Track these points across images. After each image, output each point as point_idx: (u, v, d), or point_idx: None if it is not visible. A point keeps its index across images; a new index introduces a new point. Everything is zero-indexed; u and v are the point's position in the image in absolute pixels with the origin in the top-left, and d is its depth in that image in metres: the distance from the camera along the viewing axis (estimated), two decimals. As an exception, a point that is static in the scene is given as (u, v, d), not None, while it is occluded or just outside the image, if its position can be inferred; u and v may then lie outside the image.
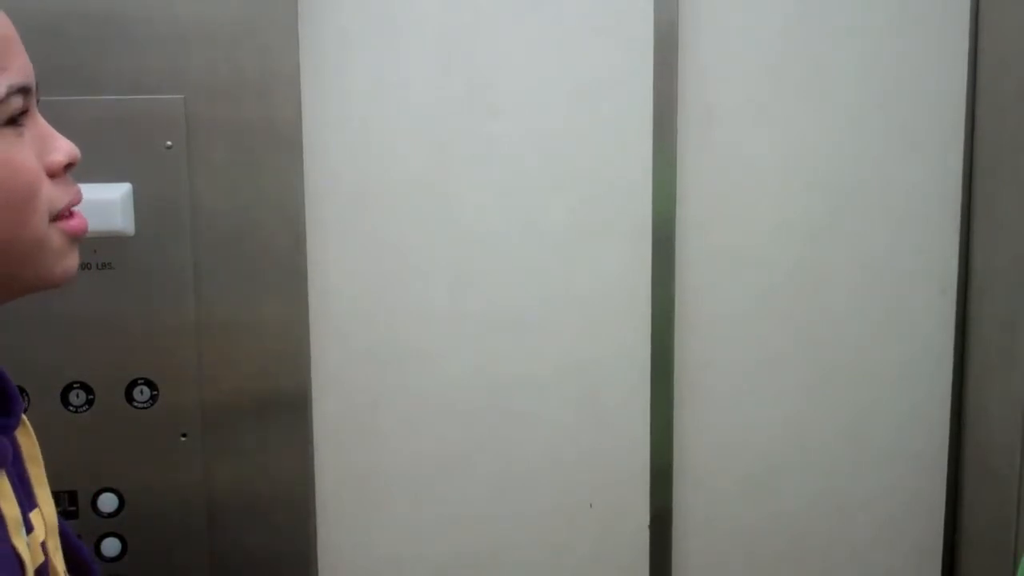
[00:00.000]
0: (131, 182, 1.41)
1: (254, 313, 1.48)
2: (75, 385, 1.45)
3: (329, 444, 1.59)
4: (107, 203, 1.36)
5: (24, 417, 0.82)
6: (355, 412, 1.59)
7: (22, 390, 1.43)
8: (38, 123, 0.76)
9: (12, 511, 0.75)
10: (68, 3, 1.39)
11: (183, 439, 1.48)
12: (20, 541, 0.75)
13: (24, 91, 0.72)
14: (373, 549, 1.63)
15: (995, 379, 1.80)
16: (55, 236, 0.76)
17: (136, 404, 1.46)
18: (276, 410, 1.51)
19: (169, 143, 1.42)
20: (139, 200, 1.41)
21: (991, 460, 1.83)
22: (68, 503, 1.46)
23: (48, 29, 1.38)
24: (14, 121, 0.72)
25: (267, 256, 1.47)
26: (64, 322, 1.43)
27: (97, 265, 1.42)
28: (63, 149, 0.77)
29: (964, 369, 1.98)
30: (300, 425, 1.52)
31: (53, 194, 0.75)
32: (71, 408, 1.45)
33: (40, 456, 0.83)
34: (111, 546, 1.48)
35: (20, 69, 0.72)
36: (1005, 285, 1.77)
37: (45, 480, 0.83)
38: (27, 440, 0.83)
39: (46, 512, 0.82)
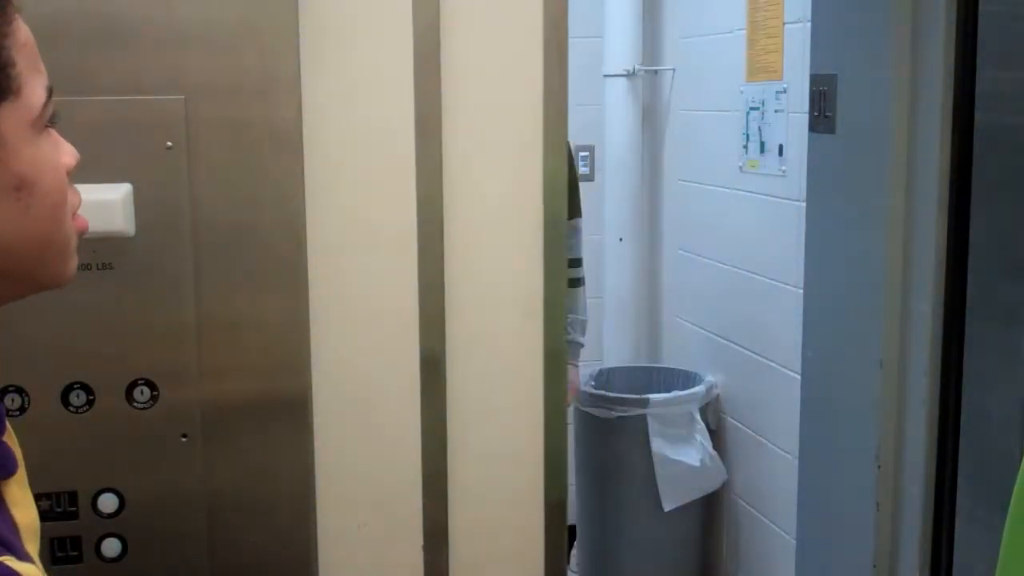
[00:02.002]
0: (131, 182, 1.41)
1: (254, 313, 1.48)
2: (75, 385, 1.45)
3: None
4: (107, 203, 1.36)
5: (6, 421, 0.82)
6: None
7: (23, 390, 1.43)
8: None
9: (27, 518, 0.75)
10: (68, 3, 1.39)
11: (183, 439, 1.48)
12: (33, 546, 0.75)
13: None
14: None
15: (995, 379, 1.80)
16: (73, 237, 0.77)
17: (136, 404, 1.46)
18: (276, 410, 1.51)
19: (169, 143, 1.42)
20: (139, 200, 1.41)
21: (991, 460, 1.83)
22: (68, 503, 1.46)
23: (48, 30, 1.38)
24: (51, 123, 0.73)
25: (267, 256, 1.47)
26: (64, 322, 1.43)
27: (97, 265, 1.42)
28: (70, 151, 0.78)
29: (963, 369, 1.98)
30: (300, 425, 1.52)
31: (72, 195, 0.77)
32: (71, 408, 1.45)
33: (22, 459, 0.83)
34: (111, 546, 1.48)
35: (46, 72, 0.74)
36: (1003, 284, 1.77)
37: (27, 483, 0.83)
38: (10, 440, 0.83)
39: (31, 515, 0.82)
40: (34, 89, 0.71)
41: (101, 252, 1.41)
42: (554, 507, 1.65)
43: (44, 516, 0.84)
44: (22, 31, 0.72)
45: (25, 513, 0.76)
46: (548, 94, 1.56)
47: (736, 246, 3.07)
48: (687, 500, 3.11)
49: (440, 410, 1.60)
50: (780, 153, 2.77)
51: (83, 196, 0.81)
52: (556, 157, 1.58)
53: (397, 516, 1.63)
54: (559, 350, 1.62)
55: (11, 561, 0.65)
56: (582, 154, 3.59)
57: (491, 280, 1.60)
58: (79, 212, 0.80)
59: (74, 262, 0.79)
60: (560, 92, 1.56)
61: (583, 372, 3.13)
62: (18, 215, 0.71)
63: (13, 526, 0.74)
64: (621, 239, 3.52)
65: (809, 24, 2.45)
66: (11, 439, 0.81)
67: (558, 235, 1.60)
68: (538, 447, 1.64)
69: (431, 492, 1.61)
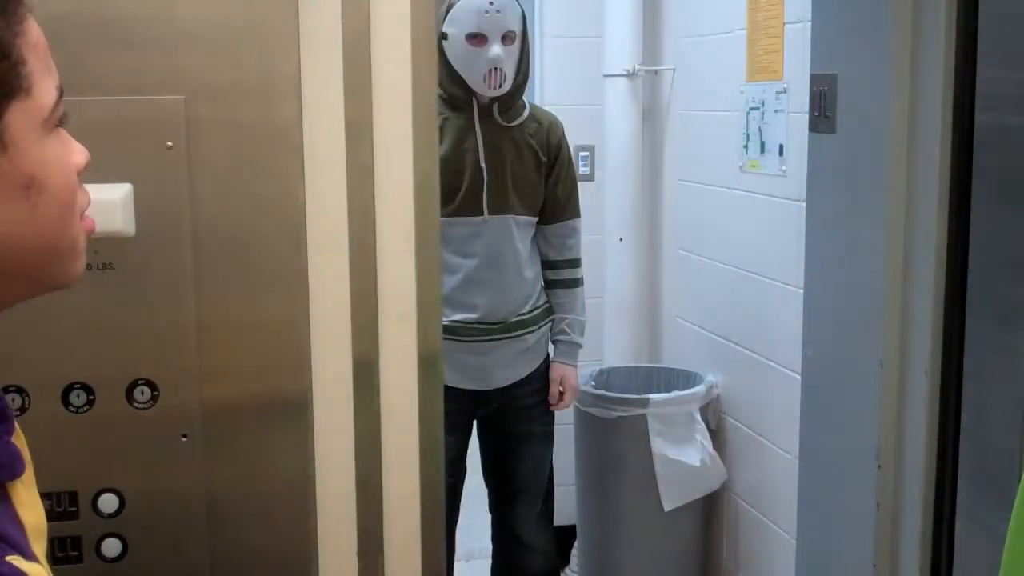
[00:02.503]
0: (131, 182, 1.41)
1: (254, 313, 1.48)
2: (75, 385, 1.45)
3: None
4: (108, 203, 1.36)
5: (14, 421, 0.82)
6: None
7: (23, 390, 1.43)
8: None
9: (34, 519, 0.75)
10: (69, 4, 1.39)
11: (183, 439, 1.48)
12: (39, 547, 0.75)
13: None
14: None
15: (995, 379, 1.80)
16: (81, 237, 0.77)
17: (136, 404, 1.46)
18: (276, 410, 1.51)
19: (170, 144, 1.42)
20: (139, 200, 1.41)
21: (991, 460, 1.83)
22: (68, 503, 1.46)
23: (48, 30, 1.38)
24: (60, 123, 0.73)
25: (267, 256, 1.47)
26: (64, 322, 1.43)
27: (97, 265, 1.42)
28: (80, 150, 0.78)
29: (963, 369, 1.98)
30: (300, 425, 1.52)
31: (80, 195, 0.77)
32: (71, 408, 1.45)
33: (30, 460, 0.83)
34: (111, 546, 1.48)
35: (56, 72, 0.74)
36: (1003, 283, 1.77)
37: (34, 483, 0.83)
38: (18, 442, 0.83)
39: (37, 515, 0.82)
40: (45, 89, 0.71)
41: (101, 252, 1.41)
42: (432, 507, 1.63)
43: (45, 516, 0.84)
44: (34, 31, 0.72)
45: (32, 514, 0.76)
46: (416, 96, 1.53)
47: (736, 246, 3.07)
48: (687, 500, 3.11)
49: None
50: (780, 153, 2.77)
51: (89, 195, 0.81)
52: (427, 159, 1.55)
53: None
54: (433, 354, 1.60)
55: (18, 561, 0.65)
56: (582, 154, 3.59)
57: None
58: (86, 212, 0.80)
59: (82, 262, 0.79)
60: (428, 95, 1.54)
61: (583, 372, 3.13)
62: (27, 215, 0.71)
63: (20, 526, 0.74)
64: (621, 239, 3.52)
65: (809, 24, 2.45)
66: (19, 440, 0.81)
67: (430, 237, 1.57)
68: (413, 454, 1.61)
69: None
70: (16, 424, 0.80)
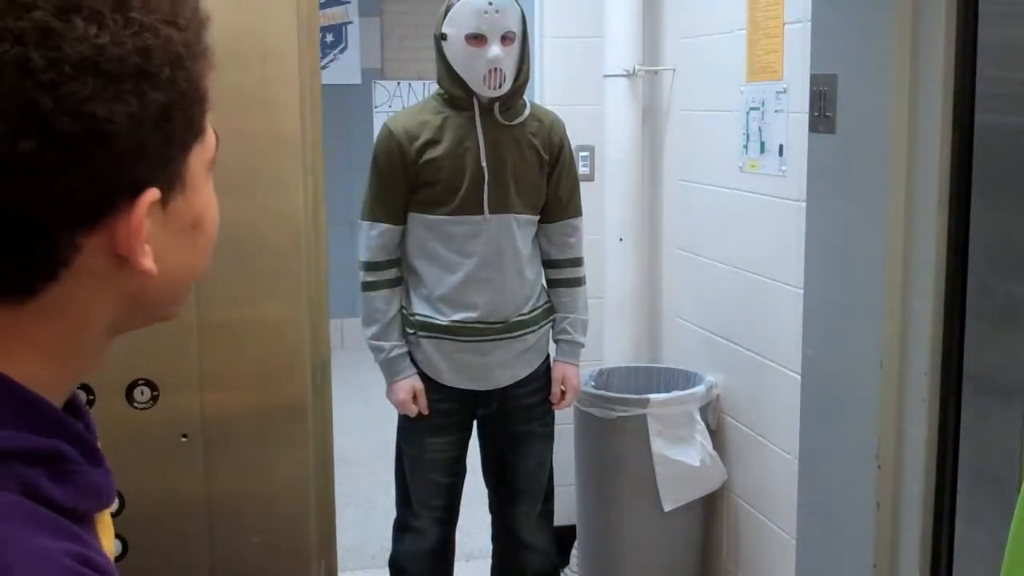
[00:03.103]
0: (131, 182, 1.41)
1: (254, 314, 1.48)
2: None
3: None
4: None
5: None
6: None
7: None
8: None
9: (109, 546, 0.76)
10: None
11: (183, 439, 1.48)
12: None
13: None
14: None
15: (995, 379, 1.80)
16: None
17: (136, 404, 1.46)
18: (276, 410, 1.51)
19: (169, 143, 1.42)
20: (139, 200, 1.41)
21: (991, 460, 1.83)
22: (68, 503, 1.46)
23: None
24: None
25: (267, 257, 1.47)
26: (64, 322, 1.42)
27: (97, 265, 1.42)
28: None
29: (963, 364, 1.98)
30: (300, 425, 1.52)
31: None
32: (71, 408, 1.45)
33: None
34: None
35: None
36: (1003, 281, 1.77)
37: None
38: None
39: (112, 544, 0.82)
40: (210, 131, 0.74)
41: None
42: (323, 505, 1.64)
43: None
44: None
45: (109, 541, 0.76)
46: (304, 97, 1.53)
47: (736, 246, 3.07)
48: (687, 500, 3.11)
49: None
50: (780, 153, 2.77)
51: None
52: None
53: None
54: (322, 360, 1.60)
55: None
56: (582, 154, 3.59)
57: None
58: None
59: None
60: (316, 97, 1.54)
61: (583, 372, 3.13)
62: (189, 253, 0.73)
63: (107, 559, 0.74)
64: (621, 239, 3.52)
65: (809, 24, 2.45)
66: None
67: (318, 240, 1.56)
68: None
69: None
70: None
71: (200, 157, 0.71)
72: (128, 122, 0.62)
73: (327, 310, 1.58)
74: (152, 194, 0.65)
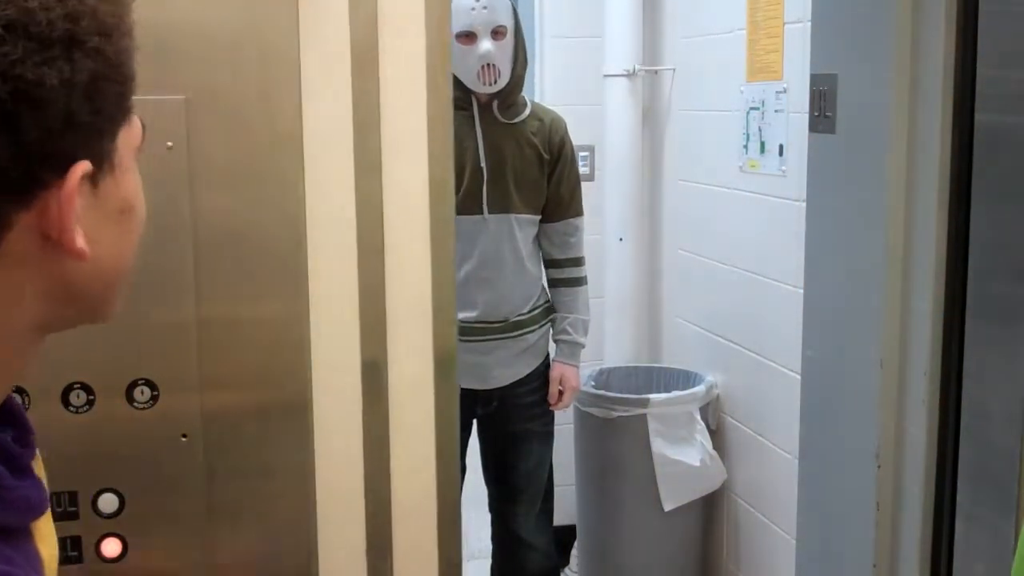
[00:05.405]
0: (131, 182, 1.41)
1: (254, 313, 1.48)
2: (75, 385, 1.45)
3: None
4: (107, 203, 1.36)
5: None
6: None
7: (23, 390, 1.43)
8: None
9: (50, 551, 0.75)
10: (68, 3, 1.39)
11: (183, 439, 1.48)
12: None
13: None
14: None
15: (995, 378, 1.80)
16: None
17: (136, 404, 1.46)
18: (276, 410, 1.51)
19: (170, 144, 1.42)
20: (139, 200, 1.41)
21: (991, 460, 1.83)
22: (68, 503, 1.46)
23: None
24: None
25: (267, 256, 1.47)
26: (64, 322, 1.42)
27: (97, 265, 1.42)
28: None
29: (963, 369, 1.98)
30: (300, 425, 1.52)
31: None
32: (71, 408, 1.45)
33: (45, 478, 0.83)
34: (111, 546, 1.48)
35: None
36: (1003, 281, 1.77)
37: (50, 515, 0.82)
38: (38, 468, 0.82)
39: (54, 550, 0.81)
40: (136, 118, 0.72)
41: (101, 252, 1.41)
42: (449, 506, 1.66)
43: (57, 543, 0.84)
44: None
45: (48, 547, 0.75)
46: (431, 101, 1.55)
47: (736, 246, 3.07)
48: (687, 500, 3.11)
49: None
50: (780, 153, 2.77)
51: None
52: (442, 162, 1.56)
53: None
54: (449, 353, 1.61)
55: None
56: (582, 154, 3.59)
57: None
58: None
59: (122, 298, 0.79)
60: (442, 93, 1.55)
61: (583, 372, 3.13)
62: (116, 240, 0.71)
63: (40, 564, 0.73)
64: (621, 239, 3.52)
65: (809, 24, 2.45)
66: (39, 465, 0.80)
67: (444, 237, 1.58)
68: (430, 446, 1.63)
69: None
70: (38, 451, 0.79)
71: (127, 140, 0.70)
72: (59, 87, 0.61)
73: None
74: (83, 166, 0.64)
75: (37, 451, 0.79)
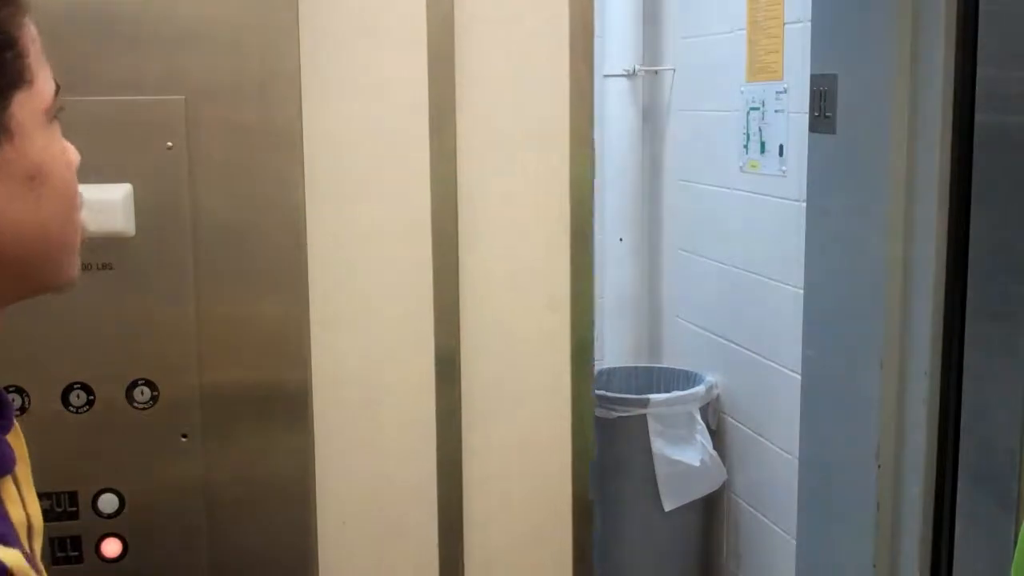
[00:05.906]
0: (131, 182, 1.41)
1: (254, 313, 1.48)
2: (75, 385, 1.45)
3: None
4: (108, 203, 1.36)
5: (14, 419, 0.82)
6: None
7: (23, 390, 1.43)
8: None
9: (19, 515, 0.75)
10: (69, 3, 1.39)
11: (183, 439, 1.48)
12: (35, 544, 0.75)
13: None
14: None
15: (995, 378, 1.80)
16: (78, 236, 0.77)
17: (136, 404, 1.46)
18: (276, 410, 1.51)
19: (170, 144, 1.42)
20: (139, 200, 1.41)
21: (992, 460, 1.83)
22: (68, 503, 1.46)
23: (48, 29, 1.38)
24: (55, 117, 0.73)
25: (267, 256, 1.47)
26: (64, 322, 1.43)
27: (97, 265, 1.42)
28: (72, 149, 0.78)
29: (962, 368, 1.98)
30: (300, 425, 1.52)
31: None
32: (71, 408, 1.45)
33: (27, 457, 0.83)
34: (111, 546, 1.48)
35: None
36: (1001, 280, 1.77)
37: (31, 481, 0.83)
38: (17, 441, 0.83)
39: (33, 512, 0.82)
40: (45, 80, 0.72)
41: (101, 252, 1.41)
42: (581, 500, 1.66)
43: (44, 516, 0.84)
44: (31, 25, 0.73)
45: (17, 510, 0.75)
46: (574, 86, 1.57)
47: (736, 246, 3.06)
48: (687, 500, 3.11)
49: (456, 406, 1.61)
50: (780, 153, 2.77)
51: (83, 196, 0.81)
52: (582, 152, 1.58)
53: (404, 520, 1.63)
54: (586, 343, 1.63)
55: None
56: (582, 154, 3.59)
57: (511, 276, 1.62)
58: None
59: (78, 263, 0.78)
60: (586, 83, 1.57)
61: (583, 372, 3.13)
62: (31, 206, 0.70)
63: (8, 520, 0.74)
64: (621, 239, 3.52)
65: (809, 24, 2.45)
66: (17, 437, 0.81)
67: (584, 229, 1.60)
68: (565, 442, 1.65)
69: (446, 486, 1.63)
70: (16, 422, 0.80)
71: (28, 106, 0.69)
72: None
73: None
74: None
75: (16, 424, 0.80)
